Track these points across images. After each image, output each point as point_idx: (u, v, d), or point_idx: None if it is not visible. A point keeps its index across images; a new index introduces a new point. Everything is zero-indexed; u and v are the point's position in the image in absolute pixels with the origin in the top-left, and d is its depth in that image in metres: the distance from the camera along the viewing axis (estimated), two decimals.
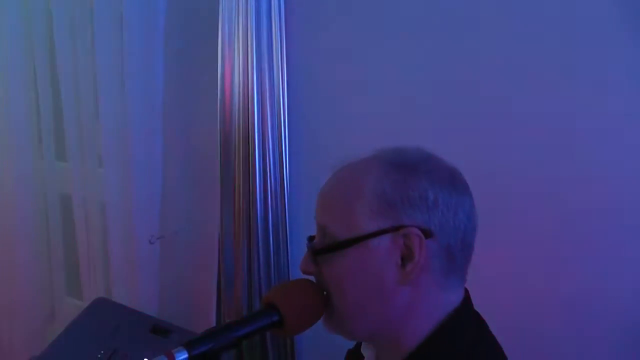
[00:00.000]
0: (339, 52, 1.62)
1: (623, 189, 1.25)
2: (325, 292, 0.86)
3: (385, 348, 0.87)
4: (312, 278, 0.89)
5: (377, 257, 0.81)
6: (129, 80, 1.90)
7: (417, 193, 0.80)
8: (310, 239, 0.91)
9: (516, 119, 1.37)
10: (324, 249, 0.83)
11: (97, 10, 1.92)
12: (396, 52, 1.52)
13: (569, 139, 1.29)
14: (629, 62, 1.22)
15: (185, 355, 0.78)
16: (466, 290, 0.88)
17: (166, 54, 1.90)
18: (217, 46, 1.70)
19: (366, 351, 0.93)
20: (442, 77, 1.46)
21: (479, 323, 0.88)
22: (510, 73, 1.37)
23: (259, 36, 1.63)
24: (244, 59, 1.66)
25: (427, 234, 0.80)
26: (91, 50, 1.97)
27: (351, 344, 1.00)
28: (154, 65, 1.89)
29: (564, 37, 1.28)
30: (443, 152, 0.89)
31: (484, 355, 0.83)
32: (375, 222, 0.80)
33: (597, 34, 1.24)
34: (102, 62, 1.94)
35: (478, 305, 0.87)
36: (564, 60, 1.28)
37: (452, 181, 0.85)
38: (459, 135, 1.43)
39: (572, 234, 1.31)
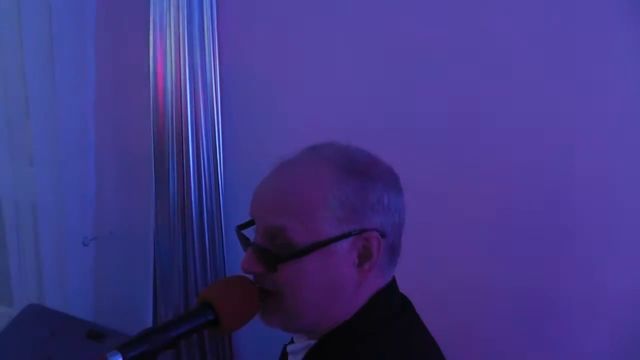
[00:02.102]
0: (272, 49, 1.62)
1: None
2: (263, 289, 0.85)
3: (321, 330, 0.88)
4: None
5: (337, 260, 0.82)
6: (60, 78, 1.85)
7: (376, 197, 0.84)
8: (241, 227, 0.90)
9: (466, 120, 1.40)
10: (284, 257, 0.82)
11: (24, 7, 1.84)
12: (330, 50, 1.53)
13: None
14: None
15: (120, 359, 0.76)
16: (392, 276, 0.92)
17: (98, 52, 1.86)
18: (149, 44, 1.67)
19: (298, 338, 0.93)
20: (379, 76, 1.48)
21: (403, 303, 0.91)
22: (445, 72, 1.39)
23: (190, 34, 1.62)
24: (176, 57, 1.64)
25: (383, 234, 0.84)
26: (19, 46, 1.89)
27: (287, 339, 1.00)
28: (85, 64, 1.84)
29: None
30: (378, 152, 0.91)
31: (404, 326, 0.87)
32: (339, 227, 0.82)
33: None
34: (31, 60, 1.87)
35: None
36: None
37: (395, 182, 0.89)
38: (395, 134, 1.45)
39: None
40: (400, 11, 1.44)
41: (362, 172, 0.85)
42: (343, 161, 0.85)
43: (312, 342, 0.87)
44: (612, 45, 1.25)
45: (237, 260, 0.87)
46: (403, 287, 0.93)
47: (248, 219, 0.90)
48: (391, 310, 0.87)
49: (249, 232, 0.91)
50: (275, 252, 0.83)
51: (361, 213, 0.83)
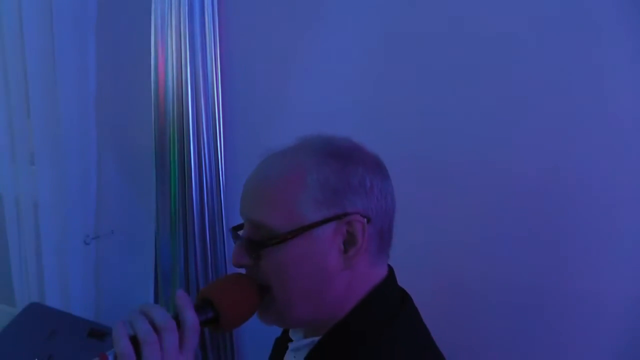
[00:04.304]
0: (273, 46, 1.61)
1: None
2: (261, 284, 0.85)
3: (319, 324, 0.87)
4: (244, 271, 0.88)
5: (320, 246, 0.81)
6: (61, 76, 1.85)
7: (357, 180, 0.82)
8: (235, 229, 0.90)
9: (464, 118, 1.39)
10: (264, 242, 0.81)
11: (25, 5, 1.84)
12: (331, 46, 1.52)
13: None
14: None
15: None
16: (390, 267, 0.91)
17: (98, 50, 1.86)
18: (150, 41, 1.67)
19: (294, 334, 0.93)
20: (382, 74, 1.47)
21: (403, 295, 0.90)
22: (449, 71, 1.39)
23: (192, 31, 1.61)
24: (177, 55, 1.64)
25: (368, 219, 0.82)
26: (20, 45, 1.89)
27: (278, 333, 0.99)
28: (85, 61, 1.85)
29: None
30: (381, 147, 0.90)
31: (405, 322, 0.86)
32: (320, 211, 0.80)
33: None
34: (32, 58, 1.87)
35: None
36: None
37: (380, 167, 0.87)
38: (396, 132, 1.45)
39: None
40: (402, 7, 1.43)
41: (343, 155, 0.83)
42: (323, 146, 0.85)
43: (315, 339, 0.85)
44: (613, 46, 1.24)
45: None
46: (402, 283, 0.92)
47: None
48: (391, 307, 0.86)
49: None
50: (259, 240, 0.82)
51: (342, 195, 0.81)
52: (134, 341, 0.72)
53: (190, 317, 0.76)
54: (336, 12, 1.51)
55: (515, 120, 1.35)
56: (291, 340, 0.93)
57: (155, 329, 0.73)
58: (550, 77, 1.30)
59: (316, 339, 0.85)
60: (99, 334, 1.61)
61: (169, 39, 1.64)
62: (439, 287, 1.44)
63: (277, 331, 0.99)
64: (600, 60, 1.25)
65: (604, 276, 1.31)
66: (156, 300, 1.80)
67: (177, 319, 0.75)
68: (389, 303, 0.86)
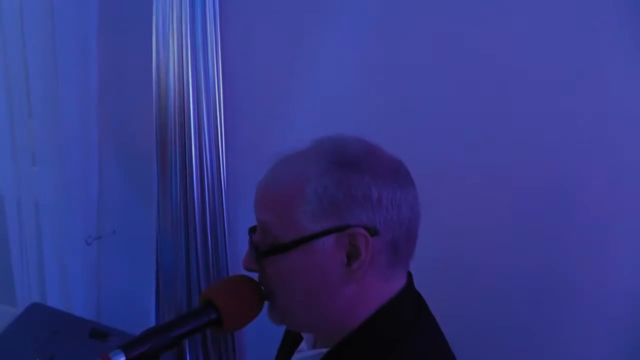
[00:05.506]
0: (274, 47, 1.62)
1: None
2: (265, 288, 0.85)
3: (325, 334, 0.87)
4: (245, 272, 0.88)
5: (322, 257, 0.80)
6: (63, 77, 1.85)
7: (361, 192, 0.79)
8: (252, 230, 0.90)
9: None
10: (266, 252, 0.82)
11: (26, 6, 1.85)
12: (332, 48, 1.53)
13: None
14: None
15: (123, 358, 0.76)
16: (409, 275, 0.89)
17: (100, 50, 1.86)
18: (152, 42, 1.67)
19: (304, 332, 0.93)
20: (384, 72, 1.48)
21: (419, 306, 0.88)
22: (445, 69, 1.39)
23: (193, 31, 1.62)
24: (178, 55, 1.65)
25: (372, 231, 0.79)
26: (22, 45, 1.90)
27: (279, 332, 1.00)
28: (87, 61, 1.85)
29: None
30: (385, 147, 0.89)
31: (419, 337, 0.84)
32: (318, 223, 0.79)
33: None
34: (34, 57, 1.88)
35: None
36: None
37: (395, 175, 0.83)
38: (398, 132, 1.45)
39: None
40: (403, 10, 1.43)
41: (349, 164, 0.80)
42: (332, 153, 0.82)
43: (323, 351, 0.85)
44: (614, 45, 1.24)
45: (240, 259, 0.87)
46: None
47: (250, 217, 0.90)
48: (405, 321, 0.84)
49: None
50: (263, 248, 0.82)
51: (342, 207, 0.78)
52: None
53: None
54: (338, 10, 1.51)
55: (515, 120, 1.36)
56: (301, 337, 0.93)
57: None
58: (551, 78, 1.30)
59: (324, 350, 0.85)
60: (100, 334, 1.61)
61: (170, 39, 1.65)
62: (441, 287, 1.44)
63: (278, 332, 0.99)
64: (600, 60, 1.26)
65: (605, 273, 1.32)
66: (157, 301, 1.80)
67: None
68: (403, 317, 0.84)
